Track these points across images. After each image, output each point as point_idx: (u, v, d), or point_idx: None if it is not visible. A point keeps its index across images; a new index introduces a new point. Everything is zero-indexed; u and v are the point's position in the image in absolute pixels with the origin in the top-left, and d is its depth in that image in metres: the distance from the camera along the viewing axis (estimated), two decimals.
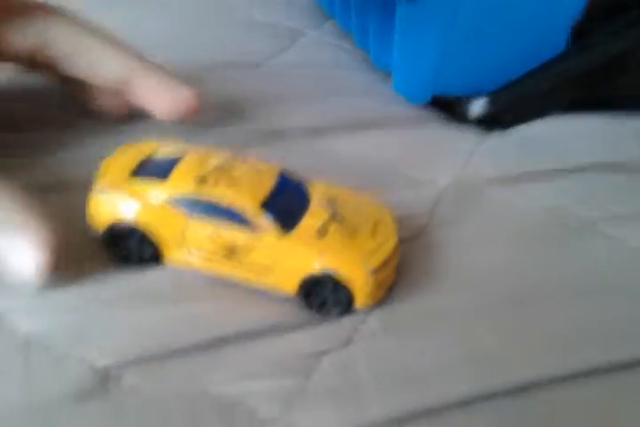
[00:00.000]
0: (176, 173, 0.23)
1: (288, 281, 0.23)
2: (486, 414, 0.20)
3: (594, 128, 0.35)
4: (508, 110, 0.36)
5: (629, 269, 0.26)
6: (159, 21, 0.44)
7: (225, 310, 0.23)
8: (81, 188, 0.24)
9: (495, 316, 0.24)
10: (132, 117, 0.30)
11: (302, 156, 0.31)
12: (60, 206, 0.23)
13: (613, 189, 0.31)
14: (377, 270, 0.22)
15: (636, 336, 0.23)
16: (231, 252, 0.23)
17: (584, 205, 0.30)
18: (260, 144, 0.32)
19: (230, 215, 0.23)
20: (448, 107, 0.37)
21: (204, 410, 0.19)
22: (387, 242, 0.24)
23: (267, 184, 0.24)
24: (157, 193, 0.23)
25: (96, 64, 0.28)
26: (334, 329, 0.23)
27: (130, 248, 0.24)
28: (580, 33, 0.34)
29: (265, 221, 0.22)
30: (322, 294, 0.23)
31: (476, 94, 0.36)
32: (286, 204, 0.23)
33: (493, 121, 0.36)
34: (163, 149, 0.25)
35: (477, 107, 0.36)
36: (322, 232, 0.23)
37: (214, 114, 0.29)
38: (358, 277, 0.22)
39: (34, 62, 0.28)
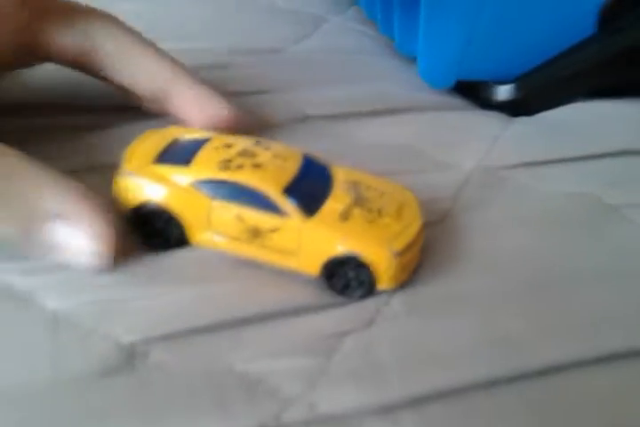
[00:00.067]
0: (200, 158, 0.24)
1: (311, 264, 0.23)
2: (509, 396, 0.20)
3: (621, 114, 0.35)
4: (534, 96, 0.35)
5: None
6: (182, 8, 0.44)
7: (249, 290, 0.23)
8: (109, 171, 0.24)
9: (518, 299, 0.23)
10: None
11: (326, 141, 0.31)
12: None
13: (639, 175, 0.30)
14: (401, 253, 0.22)
15: None
16: (255, 235, 0.23)
17: (609, 190, 0.29)
18: (283, 129, 0.32)
19: (254, 199, 0.23)
20: (473, 92, 0.37)
21: (229, 387, 0.20)
22: (411, 225, 0.23)
23: (290, 169, 0.24)
24: (182, 177, 0.23)
25: (136, 73, 0.28)
26: (357, 310, 0.23)
27: (156, 230, 0.24)
28: (609, 16, 0.34)
29: (288, 206, 0.23)
30: (345, 277, 0.23)
31: (502, 79, 0.35)
32: (310, 188, 0.23)
33: (519, 106, 0.35)
34: (186, 135, 0.26)
35: (503, 92, 0.35)
36: (345, 215, 0.23)
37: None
38: (382, 260, 0.22)
39: (78, 64, 0.29)
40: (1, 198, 0.21)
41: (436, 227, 0.26)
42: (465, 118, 0.35)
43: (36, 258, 0.23)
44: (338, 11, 0.47)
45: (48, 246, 0.22)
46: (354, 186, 0.24)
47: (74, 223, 0.22)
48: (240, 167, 0.23)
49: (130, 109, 0.30)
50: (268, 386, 0.20)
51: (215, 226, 0.23)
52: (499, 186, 0.29)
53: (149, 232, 0.24)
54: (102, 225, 0.22)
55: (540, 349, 0.22)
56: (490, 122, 0.34)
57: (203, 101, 0.28)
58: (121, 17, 0.29)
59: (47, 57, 0.28)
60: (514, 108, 0.35)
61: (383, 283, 0.23)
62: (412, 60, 0.37)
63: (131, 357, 0.20)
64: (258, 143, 0.24)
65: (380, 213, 0.23)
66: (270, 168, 0.23)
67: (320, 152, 0.26)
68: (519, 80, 0.35)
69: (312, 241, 0.23)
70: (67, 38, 0.27)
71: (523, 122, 0.35)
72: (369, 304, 0.23)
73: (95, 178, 0.24)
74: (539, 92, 0.35)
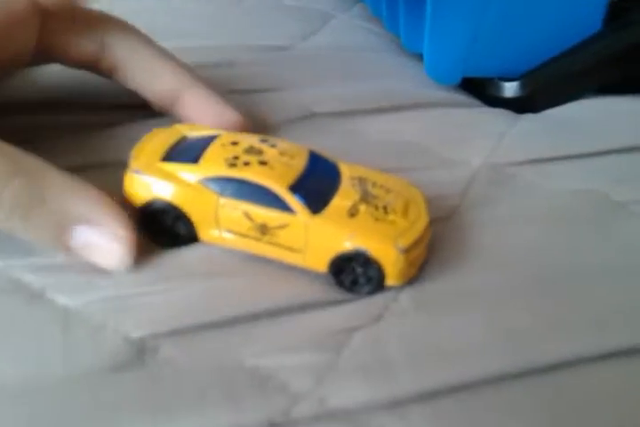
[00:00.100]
0: (207, 156, 0.24)
1: (319, 260, 0.23)
2: (518, 391, 0.20)
3: (628, 110, 0.35)
4: (541, 92, 0.35)
5: None
6: (188, 6, 0.45)
7: (258, 286, 0.23)
8: (117, 169, 0.24)
9: (526, 296, 0.24)
10: None
11: (333, 138, 0.31)
12: (97, 185, 0.23)
13: None
14: (408, 249, 0.22)
15: None
16: (262, 232, 0.23)
17: (616, 187, 0.29)
18: (290, 126, 0.32)
19: (261, 196, 0.23)
20: (479, 89, 0.37)
21: (239, 382, 0.20)
22: (418, 221, 0.24)
23: (297, 166, 0.24)
24: (189, 174, 0.23)
25: (148, 78, 0.29)
26: (365, 306, 0.23)
27: (164, 227, 0.24)
28: (617, 12, 0.34)
29: (295, 203, 0.23)
30: (353, 273, 0.23)
31: (508, 76, 0.35)
32: (317, 185, 0.24)
33: (525, 103, 0.35)
34: (193, 133, 0.26)
35: (510, 89, 0.35)
36: (353, 212, 0.23)
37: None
38: (389, 256, 0.22)
39: (91, 68, 0.29)
40: (33, 204, 0.22)
41: (444, 223, 0.26)
42: (471, 115, 0.35)
43: (47, 255, 0.23)
44: (344, 8, 0.47)
45: (77, 249, 0.23)
46: (361, 182, 0.24)
47: (101, 227, 0.22)
48: (247, 164, 0.23)
49: (137, 108, 0.30)
50: (278, 381, 0.20)
51: (223, 223, 0.23)
52: (506, 183, 0.29)
53: (158, 229, 0.24)
54: (127, 228, 0.23)
55: (549, 344, 0.22)
56: (496, 119, 0.34)
57: (213, 109, 0.29)
58: (126, 15, 0.29)
59: (61, 60, 0.29)
60: (520, 105, 0.35)
61: (391, 279, 0.23)
62: (419, 56, 0.37)
63: (141, 352, 0.20)
64: (264, 141, 0.25)
65: (386, 209, 0.23)
66: (277, 165, 0.23)
67: (327, 149, 0.26)
68: (525, 77, 0.35)
69: (319, 238, 0.23)
70: (81, 44, 0.28)
71: (529, 119, 0.35)
72: (377, 300, 0.23)
73: (103, 176, 0.24)
74: (545, 88, 0.35)
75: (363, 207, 0.23)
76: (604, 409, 0.20)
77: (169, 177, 0.23)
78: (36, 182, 0.22)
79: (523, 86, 0.35)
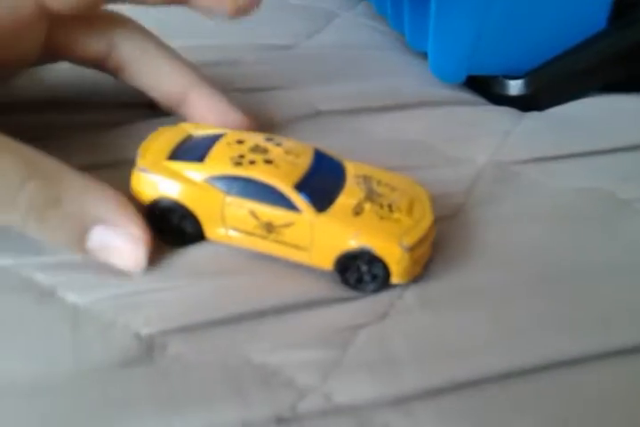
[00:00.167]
0: (213, 155, 0.24)
1: (324, 258, 0.23)
2: (523, 388, 0.20)
3: (632, 108, 0.35)
4: (545, 91, 0.35)
5: None
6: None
7: (265, 283, 0.23)
8: (123, 167, 0.25)
9: (531, 293, 0.24)
10: None
11: (338, 136, 0.31)
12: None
13: None
14: (413, 248, 0.23)
15: None
16: (268, 230, 0.23)
17: (621, 185, 0.29)
18: (295, 125, 0.32)
19: (267, 195, 0.23)
20: (484, 87, 0.37)
21: (246, 378, 0.20)
22: (423, 219, 0.24)
23: (302, 165, 0.24)
24: (196, 173, 0.23)
25: (155, 78, 0.29)
26: (371, 304, 0.23)
27: (171, 225, 0.24)
28: (622, 10, 0.34)
29: (300, 201, 0.23)
30: (358, 271, 0.23)
31: (513, 74, 0.36)
32: (322, 183, 0.24)
33: (530, 101, 0.35)
34: (199, 131, 0.26)
35: (514, 87, 0.36)
36: (358, 210, 0.23)
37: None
38: (394, 255, 0.22)
39: (99, 66, 0.29)
40: (50, 206, 0.22)
41: (449, 221, 0.26)
42: (476, 113, 0.35)
43: (57, 253, 0.23)
44: (348, 6, 0.48)
45: (94, 251, 0.23)
46: (366, 181, 0.24)
47: (118, 228, 0.23)
48: (252, 163, 0.23)
49: (144, 106, 0.30)
50: (285, 377, 0.20)
51: (229, 221, 0.24)
52: (511, 181, 0.29)
53: (164, 228, 0.24)
54: (142, 229, 0.23)
55: (554, 342, 0.22)
56: (501, 117, 0.34)
57: (218, 110, 0.29)
58: (133, 14, 0.29)
59: (68, 58, 0.29)
60: (525, 103, 0.35)
61: (396, 277, 0.23)
62: (423, 55, 0.38)
63: (149, 349, 0.21)
64: (269, 139, 0.25)
65: (391, 208, 0.23)
66: (282, 164, 0.23)
67: (332, 147, 0.26)
68: (530, 75, 0.35)
69: (325, 236, 0.23)
70: (89, 43, 0.28)
71: (534, 117, 0.35)
72: (383, 298, 0.23)
73: (110, 174, 0.24)
74: (550, 86, 0.35)
75: (368, 206, 0.23)
76: (609, 407, 0.20)
77: (175, 176, 0.24)
78: (52, 184, 0.22)
79: (527, 84, 0.35)
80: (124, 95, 0.31)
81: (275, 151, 0.24)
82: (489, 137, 0.32)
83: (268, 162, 0.23)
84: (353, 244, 0.23)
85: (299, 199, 0.23)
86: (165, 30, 0.30)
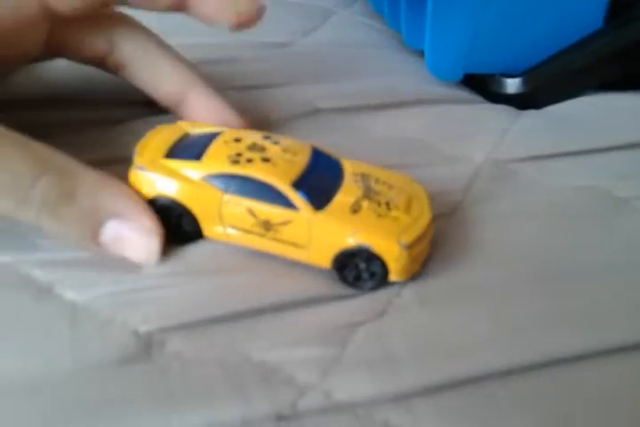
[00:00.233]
0: (210, 153, 0.24)
1: (322, 256, 0.23)
2: (522, 385, 0.20)
3: (629, 106, 0.35)
4: (542, 89, 0.36)
5: None
6: None
7: (264, 281, 0.23)
8: (121, 165, 0.25)
9: (530, 291, 0.24)
10: None
11: (335, 134, 0.31)
12: None
13: None
14: (411, 245, 0.23)
15: None
16: (266, 228, 0.23)
17: (618, 183, 0.29)
18: (293, 123, 0.32)
19: (264, 193, 0.23)
20: (481, 85, 0.37)
21: (245, 376, 0.20)
22: (421, 217, 0.24)
23: (300, 163, 0.24)
24: (193, 171, 0.23)
25: (154, 77, 0.29)
26: (369, 302, 0.23)
27: (169, 223, 0.24)
28: (618, 9, 0.34)
29: (298, 199, 0.23)
30: (356, 269, 0.23)
31: (510, 73, 0.36)
32: (320, 181, 0.24)
33: (527, 100, 0.36)
34: (196, 129, 0.26)
35: (511, 85, 0.36)
36: (355, 208, 0.23)
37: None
38: (392, 252, 0.22)
39: (99, 64, 0.29)
40: (63, 202, 0.22)
41: (447, 219, 0.27)
42: (473, 111, 0.35)
43: (55, 250, 0.23)
44: (345, 4, 0.48)
45: (107, 245, 0.23)
46: (363, 179, 0.24)
47: (131, 222, 0.23)
48: (250, 161, 0.23)
49: (142, 104, 0.30)
50: (284, 375, 0.20)
51: (227, 219, 0.24)
52: (508, 179, 0.29)
53: (162, 226, 0.24)
54: (154, 222, 0.23)
55: (553, 339, 0.22)
56: (498, 115, 0.35)
57: (216, 110, 0.29)
58: (131, 12, 0.29)
59: (68, 56, 0.29)
60: (522, 102, 0.35)
61: (394, 275, 0.23)
62: (420, 53, 0.38)
63: (148, 346, 0.21)
64: (267, 137, 0.25)
65: (389, 205, 0.23)
66: (280, 162, 0.23)
67: (329, 145, 0.26)
68: (527, 73, 0.35)
69: (323, 234, 0.23)
70: (90, 40, 0.28)
71: (531, 115, 0.35)
72: (381, 296, 0.23)
73: (107, 172, 0.24)
74: (547, 85, 0.35)
75: (365, 203, 0.23)
76: (609, 404, 0.20)
77: (172, 174, 0.24)
78: (65, 179, 0.22)
79: (525, 83, 0.35)
80: (122, 93, 0.31)
81: (272, 149, 0.24)
82: (486, 135, 0.32)
83: (266, 160, 0.23)
84: (351, 241, 0.23)
85: (296, 197, 0.23)
86: (164, 28, 0.30)
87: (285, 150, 0.24)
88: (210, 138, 0.25)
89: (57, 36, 0.27)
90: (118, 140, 0.29)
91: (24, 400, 0.19)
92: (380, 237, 0.23)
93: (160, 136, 0.25)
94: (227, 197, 0.23)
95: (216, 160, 0.23)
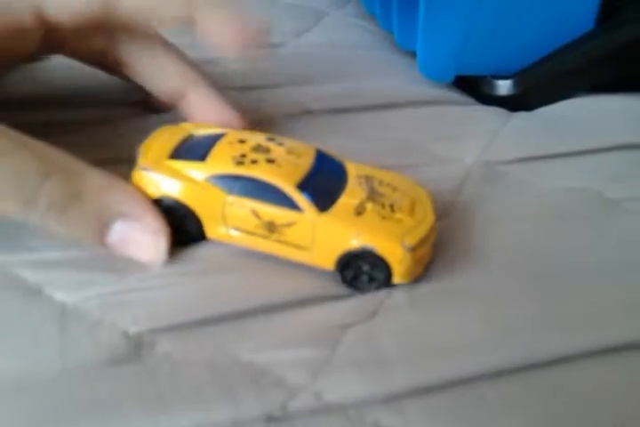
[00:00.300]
0: (215, 154, 0.24)
1: (326, 258, 0.23)
2: (513, 386, 0.20)
3: (620, 108, 0.35)
4: (534, 91, 0.36)
5: None
6: None
7: (255, 282, 0.23)
8: (123, 165, 0.24)
9: (521, 293, 0.24)
10: None
11: (327, 135, 0.31)
12: None
13: (639, 169, 0.31)
14: (414, 248, 0.23)
15: None
16: (270, 230, 0.23)
17: (610, 185, 0.30)
18: (285, 124, 0.32)
19: (268, 194, 0.23)
20: (472, 87, 0.37)
21: (235, 377, 0.20)
22: (424, 220, 0.24)
23: (304, 165, 0.24)
24: (197, 172, 0.23)
25: (155, 75, 0.29)
26: (360, 303, 0.23)
27: (173, 224, 0.24)
28: (609, 11, 0.34)
29: (303, 200, 0.23)
30: (360, 271, 0.23)
31: (501, 74, 0.36)
32: (324, 183, 0.24)
33: (518, 101, 0.36)
34: (200, 131, 0.26)
35: (502, 87, 0.36)
36: (359, 210, 0.23)
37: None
38: (396, 254, 0.22)
39: (102, 64, 0.29)
40: (70, 202, 0.22)
41: (438, 221, 0.26)
42: (465, 113, 0.35)
43: (45, 251, 0.23)
44: (338, 5, 0.48)
45: (114, 245, 0.23)
46: (367, 181, 0.24)
47: (138, 222, 0.23)
48: (254, 162, 0.23)
49: (141, 104, 0.30)
50: (274, 376, 0.20)
51: (230, 221, 0.23)
52: (499, 180, 0.29)
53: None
54: (161, 222, 0.23)
55: (544, 340, 0.22)
56: (489, 116, 0.35)
57: (215, 109, 0.29)
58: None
59: (67, 53, 0.29)
60: (513, 103, 0.36)
61: (397, 277, 0.23)
62: (413, 54, 0.38)
63: (138, 347, 0.21)
64: (271, 139, 0.25)
65: (393, 208, 0.23)
66: (284, 164, 0.23)
67: (321, 146, 0.26)
68: (518, 75, 0.35)
69: (326, 235, 0.23)
70: (89, 37, 0.28)
71: (522, 117, 0.35)
72: (372, 297, 0.23)
73: (116, 172, 0.24)
74: (538, 87, 0.36)
75: (369, 206, 0.23)
76: (599, 404, 0.20)
77: (177, 175, 0.24)
78: (72, 180, 0.22)
79: (516, 84, 0.35)
80: (123, 93, 0.31)
81: (277, 151, 0.24)
82: (477, 137, 0.33)
83: (270, 161, 0.23)
84: (355, 243, 0.22)
85: (301, 199, 0.23)
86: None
87: (290, 152, 0.24)
88: (214, 139, 0.24)
89: (54, 35, 0.27)
90: (118, 140, 0.29)
91: (12, 401, 0.19)
92: (384, 239, 0.22)
93: (164, 137, 0.25)
94: (230, 198, 0.23)
95: (220, 161, 0.23)
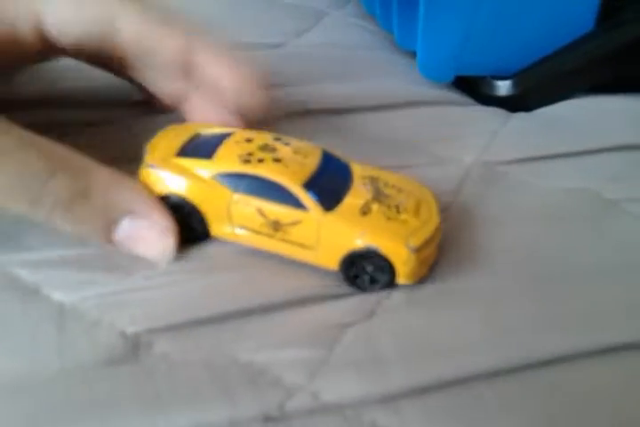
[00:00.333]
0: (221, 152, 0.24)
1: (331, 257, 0.23)
2: (510, 386, 0.20)
3: (619, 109, 0.35)
4: (533, 91, 0.36)
5: None
6: (181, 2, 0.44)
7: (253, 281, 0.23)
8: (128, 165, 0.24)
9: (520, 293, 0.24)
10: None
11: (327, 135, 0.31)
12: None
13: (638, 169, 0.31)
14: (419, 249, 0.23)
15: None
16: (275, 228, 0.23)
17: (609, 185, 0.29)
18: (284, 123, 0.32)
19: (274, 193, 0.23)
20: (472, 87, 0.37)
21: (233, 377, 0.20)
22: (429, 221, 0.24)
23: (310, 164, 0.24)
24: (204, 170, 0.23)
25: (159, 80, 0.28)
26: (358, 302, 0.23)
27: (180, 221, 0.24)
28: (609, 11, 0.34)
29: (308, 200, 0.23)
30: (364, 271, 0.23)
31: (501, 75, 0.36)
32: (330, 183, 0.24)
33: (518, 102, 0.36)
34: (207, 130, 0.26)
35: (502, 88, 0.36)
36: (365, 210, 0.23)
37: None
38: (400, 255, 0.22)
39: (107, 64, 0.28)
40: (77, 200, 0.22)
41: None
42: (464, 113, 0.35)
43: (43, 251, 0.23)
44: (338, 5, 0.48)
45: (121, 242, 0.23)
46: (373, 182, 0.24)
47: (145, 219, 0.23)
48: (261, 161, 0.23)
49: (142, 104, 0.30)
50: (272, 376, 0.20)
51: (236, 219, 0.23)
52: (498, 181, 0.29)
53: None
54: (168, 220, 0.23)
55: (542, 340, 0.22)
56: (489, 117, 0.35)
57: (216, 111, 0.28)
58: None
59: (70, 55, 0.28)
60: (513, 104, 0.36)
61: (402, 278, 0.23)
62: (412, 54, 0.38)
63: (135, 347, 0.21)
64: (278, 139, 0.25)
65: (398, 209, 0.23)
66: (291, 163, 0.23)
67: (321, 146, 0.26)
68: (518, 75, 0.35)
69: (331, 235, 0.23)
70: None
71: (521, 117, 0.35)
72: (370, 297, 0.23)
73: (120, 171, 0.24)
74: (537, 87, 0.36)
75: (375, 206, 0.23)
76: (597, 404, 0.20)
77: (183, 172, 0.24)
78: (79, 177, 0.22)
79: (515, 85, 0.35)
80: (123, 93, 0.31)
81: (283, 150, 0.24)
82: (477, 137, 0.33)
83: (277, 160, 0.23)
84: (359, 243, 0.22)
85: (307, 198, 0.23)
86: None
87: (296, 152, 0.24)
88: (221, 138, 0.25)
89: (55, 46, 0.27)
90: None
91: (9, 400, 0.19)
92: (389, 240, 0.22)
93: (171, 135, 0.25)
94: (236, 196, 0.23)
95: (227, 159, 0.23)
